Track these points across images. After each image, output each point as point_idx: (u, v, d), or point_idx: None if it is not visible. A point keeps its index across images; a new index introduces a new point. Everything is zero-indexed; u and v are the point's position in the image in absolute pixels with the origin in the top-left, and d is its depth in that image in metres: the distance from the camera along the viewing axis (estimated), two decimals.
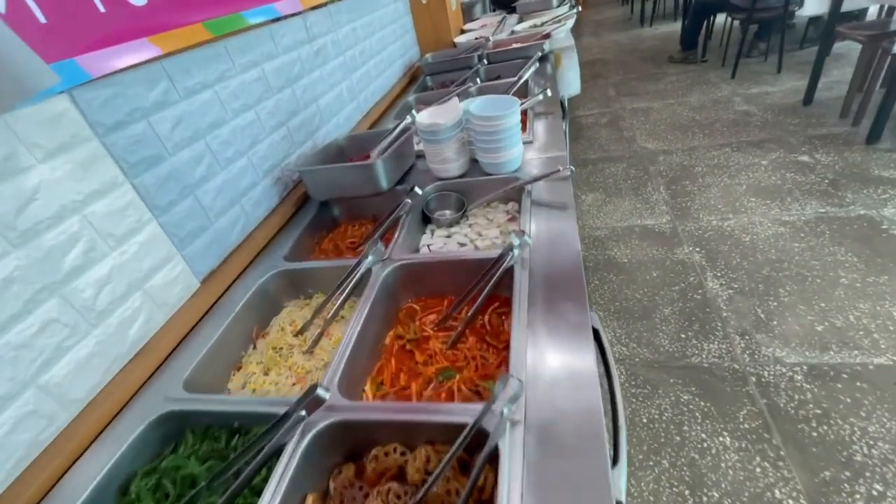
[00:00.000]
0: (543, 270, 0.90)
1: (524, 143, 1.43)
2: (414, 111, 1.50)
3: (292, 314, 1.07)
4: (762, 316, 1.88)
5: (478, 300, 0.89)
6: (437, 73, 2.55)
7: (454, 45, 2.84)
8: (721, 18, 4.94)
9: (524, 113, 1.71)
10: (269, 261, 1.16)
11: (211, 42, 1.12)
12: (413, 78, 2.61)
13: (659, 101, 4.11)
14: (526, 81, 2.03)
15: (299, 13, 1.53)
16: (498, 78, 2.38)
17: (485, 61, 2.26)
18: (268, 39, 1.36)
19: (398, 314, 1.03)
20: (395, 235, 1.13)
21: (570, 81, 2.57)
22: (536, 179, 1.18)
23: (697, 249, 2.31)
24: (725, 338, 1.83)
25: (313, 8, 1.63)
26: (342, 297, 0.97)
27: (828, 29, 3.17)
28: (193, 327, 0.97)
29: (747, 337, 1.81)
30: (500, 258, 0.92)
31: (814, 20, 4.52)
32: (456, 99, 1.33)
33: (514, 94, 1.96)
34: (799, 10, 3.82)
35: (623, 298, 2.12)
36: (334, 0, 1.78)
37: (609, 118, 3.99)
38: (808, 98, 3.44)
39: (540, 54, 2.20)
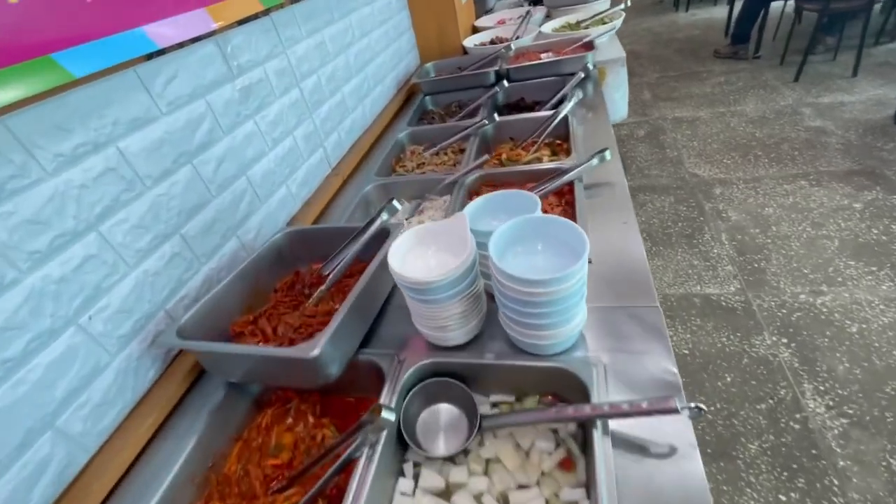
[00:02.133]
0: None
1: None
2: (396, 204, 0.91)
3: None
4: None
5: None
6: (440, 93, 1.92)
7: (464, 50, 2.20)
8: (776, 3, 4.17)
9: (563, 189, 1.11)
10: None
11: None
12: (410, 94, 1.99)
13: (706, 108, 3.42)
14: (566, 118, 1.41)
15: (210, 35, 0.92)
16: (522, 103, 1.75)
17: (504, 82, 1.64)
18: (137, 89, 0.77)
19: None
20: (350, 489, 0.57)
21: (617, 103, 1.95)
22: (628, 414, 0.59)
23: (784, 341, 1.71)
24: None
25: (240, 22, 1.02)
26: None
27: None
28: None
29: None
30: None
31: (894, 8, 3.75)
32: (465, 221, 0.72)
33: (546, 135, 1.36)
34: None
35: None
36: (281, 5, 1.17)
37: (647, 130, 3.32)
38: None
39: (581, 76, 1.57)
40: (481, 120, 1.46)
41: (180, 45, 0.85)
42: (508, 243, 0.71)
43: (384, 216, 0.92)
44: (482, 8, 2.97)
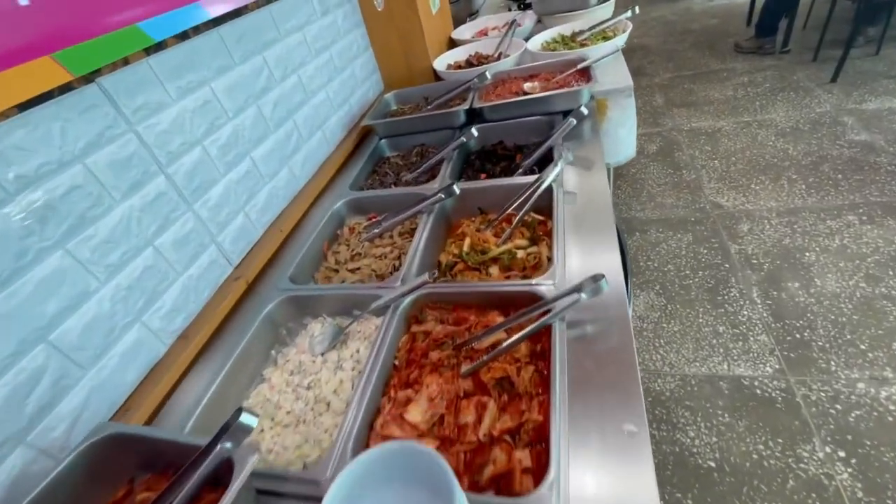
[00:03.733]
0: None
1: None
2: (248, 420, 0.55)
3: None
4: None
5: None
6: (400, 136, 1.53)
7: (435, 75, 1.79)
8: None
9: (538, 332, 0.74)
10: None
11: None
12: (367, 132, 1.60)
13: (728, 117, 2.96)
14: (550, 187, 1.03)
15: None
16: (500, 150, 1.36)
17: (473, 132, 1.24)
18: None
19: None
20: None
21: (622, 141, 1.54)
22: None
23: (841, 454, 1.32)
24: None
25: (27, 105, 0.65)
26: None
27: None
28: None
29: None
30: None
31: None
32: None
33: (525, 210, 0.97)
34: None
35: None
36: (157, 47, 0.79)
37: (659, 144, 2.88)
38: None
39: (573, 122, 1.17)
40: (436, 193, 1.08)
41: None
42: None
43: (227, 444, 0.55)
44: (466, 11, 2.54)
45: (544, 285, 0.82)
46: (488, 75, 1.46)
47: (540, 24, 2.12)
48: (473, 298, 0.86)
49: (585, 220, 0.97)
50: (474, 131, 1.25)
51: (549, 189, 1.06)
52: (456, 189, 1.06)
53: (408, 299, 0.86)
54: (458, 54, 1.89)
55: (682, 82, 3.54)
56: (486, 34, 2.08)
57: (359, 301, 0.94)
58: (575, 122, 1.16)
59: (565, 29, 1.82)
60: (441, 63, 1.81)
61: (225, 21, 1.04)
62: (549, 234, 1.04)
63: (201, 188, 0.96)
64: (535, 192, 1.04)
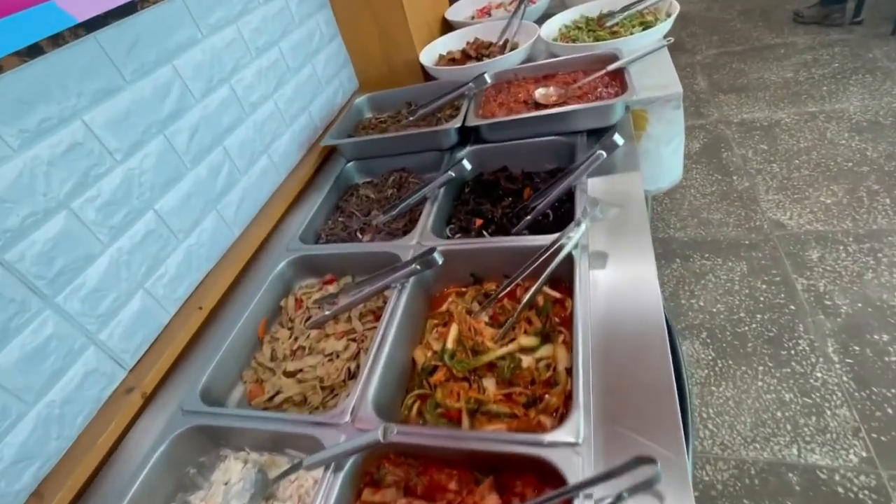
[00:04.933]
0: None
1: None
2: None
3: None
4: None
5: None
6: (373, 158, 1.28)
7: (423, 71, 1.53)
8: None
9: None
10: None
11: None
12: (331, 151, 1.36)
13: (788, 106, 2.66)
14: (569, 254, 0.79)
15: None
16: (505, 180, 1.11)
17: (465, 164, 0.99)
18: None
19: None
20: None
21: (665, 162, 1.26)
22: None
23: None
24: None
25: None
26: None
27: None
28: None
29: None
30: None
31: None
32: None
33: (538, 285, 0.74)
34: None
35: None
36: None
37: (703, 141, 2.59)
38: None
39: (602, 155, 0.91)
40: (411, 263, 0.84)
41: None
42: None
43: None
44: None
45: (560, 447, 0.58)
46: (487, 78, 1.20)
47: (558, 4, 1.83)
48: (453, 455, 0.63)
49: (621, 304, 0.73)
50: (466, 163, 1.00)
51: (569, 257, 0.82)
52: (437, 258, 0.82)
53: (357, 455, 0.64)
54: (453, 42, 1.62)
55: (730, 60, 3.21)
56: (489, 13, 1.81)
57: (292, 440, 0.71)
58: (605, 155, 0.91)
59: (591, 8, 1.54)
60: (430, 55, 1.54)
61: (107, 23, 0.79)
62: (568, 321, 0.81)
63: (68, 272, 0.73)
64: (548, 261, 0.80)
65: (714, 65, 3.23)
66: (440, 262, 0.82)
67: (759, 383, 1.54)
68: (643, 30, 1.33)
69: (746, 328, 1.70)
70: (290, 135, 1.26)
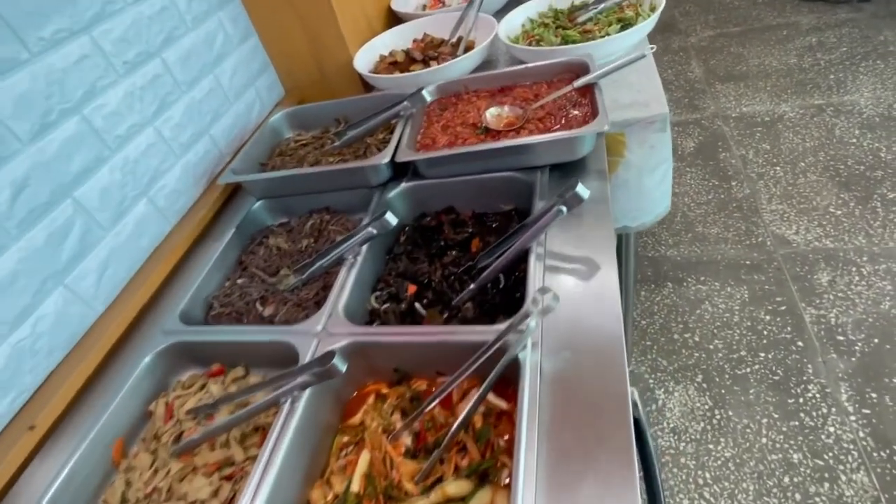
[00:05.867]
0: None
1: None
2: None
3: None
4: None
5: None
6: (288, 196, 1.09)
7: (362, 83, 1.34)
8: None
9: None
10: None
11: None
12: (236, 189, 1.16)
13: (792, 97, 2.52)
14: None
15: None
16: (448, 225, 0.94)
17: (389, 217, 0.81)
18: None
19: None
20: None
21: (648, 194, 1.09)
22: None
23: None
24: None
25: None
26: None
27: None
28: None
29: None
30: None
31: None
32: None
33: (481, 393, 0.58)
34: None
35: None
36: None
37: (698, 140, 2.44)
38: None
39: (562, 212, 0.74)
40: (304, 373, 0.66)
41: None
42: None
43: None
44: None
45: None
46: (426, 96, 1.02)
47: None
48: None
49: (582, 418, 0.57)
50: (390, 217, 0.82)
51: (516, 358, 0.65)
52: (339, 366, 0.64)
53: None
54: (397, 40, 1.43)
55: (728, 44, 3.06)
56: (442, 2, 1.61)
57: None
58: (565, 211, 0.74)
59: (558, 0, 1.36)
60: (367, 58, 1.35)
61: None
62: (510, 449, 0.64)
63: None
64: (491, 360, 0.64)
65: (710, 48, 3.08)
66: (342, 370, 0.65)
67: (764, 440, 1.40)
68: (621, 28, 1.15)
69: (748, 369, 1.56)
70: (181, 169, 1.06)
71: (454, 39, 1.38)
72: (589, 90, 0.97)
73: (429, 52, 1.32)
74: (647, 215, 1.14)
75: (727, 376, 1.56)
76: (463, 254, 0.93)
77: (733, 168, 2.24)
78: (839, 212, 1.93)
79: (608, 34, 1.14)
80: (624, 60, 0.92)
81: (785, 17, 3.15)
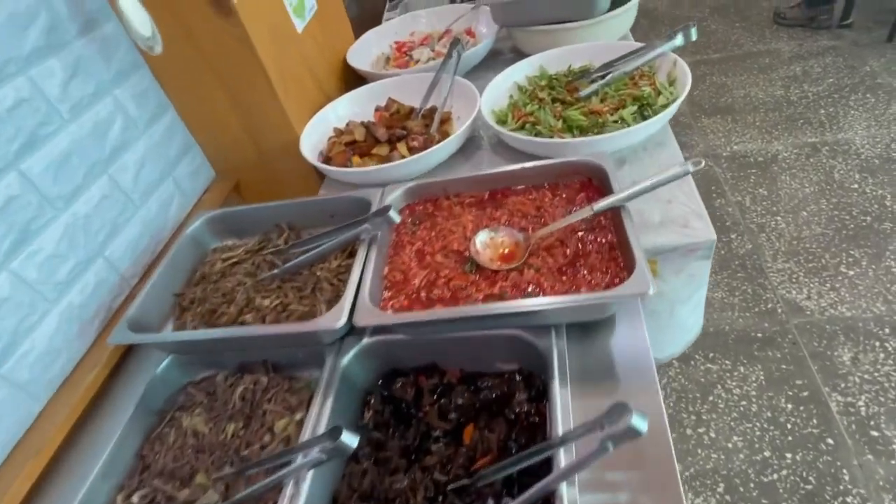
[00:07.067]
0: None
1: None
2: None
3: None
4: None
5: None
6: (206, 353, 0.81)
7: (317, 174, 1.06)
8: None
9: None
10: None
11: None
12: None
13: (785, 133, 2.37)
14: None
15: None
16: (425, 411, 0.66)
17: (347, 441, 0.55)
18: None
19: None
20: None
21: (681, 323, 0.87)
22: None
23: None
24: None
25: None
26: None
27: None
28: None
29: None
30: None
31: None
32: None
33: None
34: None
35: None
36: None
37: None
38: None
39: (608, 449, 0.49)
40: None
41: None
42: None
43: None
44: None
45: None
46: (394, 216, 0.75)
47: (506, 36, 1.39)
48: None
49: None
50: (348, 439, 0.55)
51: None
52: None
53: None
54: (353, 108, 1.16)
55: (709, 71, 2.92)
56: (408, 54, 1.35)
57: None
58: (611, 449, 0.49)
59: (554, 59, 1.11)
60: (316, 135, 1.08)
61: None
62: None
63: None
64: None
65: (693, 75, 2.91)
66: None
67: None
68: (637, 109, 0.92)
69: (775, 475, 1.36)
70: (57, 319, 0.77)
71: (427, 107, 1.13)
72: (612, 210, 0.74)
73: (395, 128, 1.06)
74: (677, 345, 0.91)
75: (752, 485, 1.35)
76: (453, 447, 0.67)
77: (731, 218, 2.06)
78: (851, 272, 1.76)
79: (622, 118, 0.91)
80: (660, 178, 0.68)
81: (765, 43, 3.03)
